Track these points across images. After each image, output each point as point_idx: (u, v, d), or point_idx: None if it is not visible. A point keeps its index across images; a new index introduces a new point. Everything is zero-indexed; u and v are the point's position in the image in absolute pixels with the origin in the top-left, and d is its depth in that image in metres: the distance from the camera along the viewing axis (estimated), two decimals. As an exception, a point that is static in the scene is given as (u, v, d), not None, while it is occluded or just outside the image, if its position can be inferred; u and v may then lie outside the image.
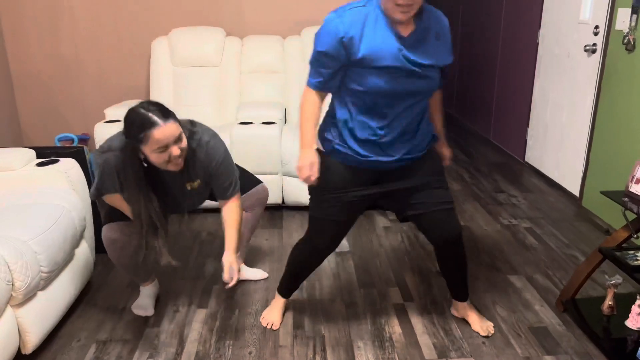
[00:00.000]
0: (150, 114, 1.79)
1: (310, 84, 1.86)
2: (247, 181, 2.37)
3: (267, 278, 2.56)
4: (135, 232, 1.99)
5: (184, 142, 1.89)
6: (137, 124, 1.80)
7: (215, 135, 2.08)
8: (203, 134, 2.03)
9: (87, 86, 3.95)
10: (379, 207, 3.36)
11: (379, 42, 1.72)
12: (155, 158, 1.84)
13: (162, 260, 2.01)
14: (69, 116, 4.02)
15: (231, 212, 2.11)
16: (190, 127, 2.01)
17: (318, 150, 1.92)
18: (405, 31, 1.76)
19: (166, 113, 1.83)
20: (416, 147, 1.92)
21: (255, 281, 2.54)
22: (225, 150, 2.09)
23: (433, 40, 1.83)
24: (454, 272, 2.12)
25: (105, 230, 2.07)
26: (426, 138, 1.96)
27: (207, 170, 2.05)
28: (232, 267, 1.97)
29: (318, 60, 1.79)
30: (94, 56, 3.88)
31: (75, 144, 3.78)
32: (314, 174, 1.85)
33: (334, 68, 1.78)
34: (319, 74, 1.81)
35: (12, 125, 3.91)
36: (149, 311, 2.29)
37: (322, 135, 1.94)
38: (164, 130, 1.79)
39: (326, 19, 1.76)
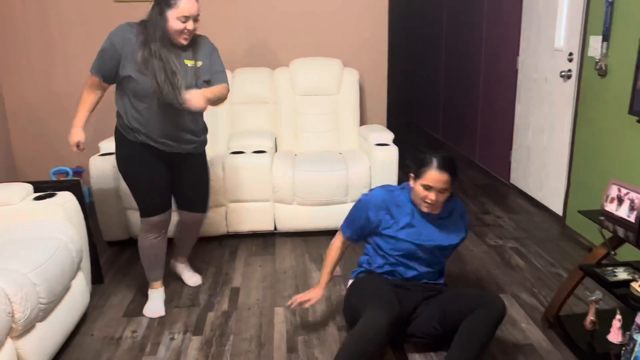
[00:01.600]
0: None
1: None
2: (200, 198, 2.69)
3: (200, 284, 2.82)
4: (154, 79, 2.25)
5: (198, 24, 2.29)
6: None
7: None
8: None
9: (81, 120, 4.04)
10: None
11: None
12: (174, 24, 2.22)
13: (182, 99, 2.23)
14: (63, 150, 4.09)
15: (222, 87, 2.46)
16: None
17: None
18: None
19: None
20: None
21: (249, 309, 2.59)
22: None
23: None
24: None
25: (145, 221, 2.45)
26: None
27: (208, 53, 2.42)
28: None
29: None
30: (88, 91, 3.98)
31: (70, 177, 3.85)
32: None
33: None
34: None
35: (6, 160, 3.97)
36: (162, 312, 2.53)
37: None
38: (191, 3, 2.22)
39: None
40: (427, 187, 2.13)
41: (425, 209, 2.17)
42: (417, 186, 2.17)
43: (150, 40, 2.25)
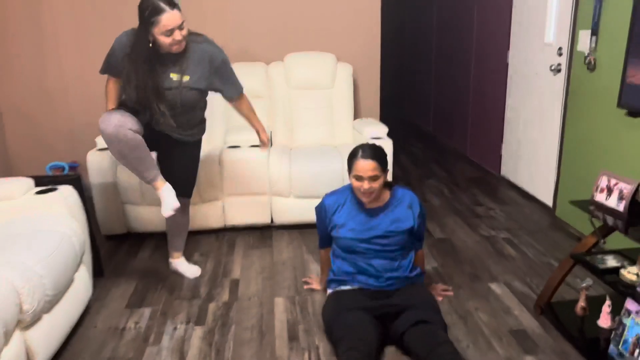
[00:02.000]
0: (160, 2, 2.21)
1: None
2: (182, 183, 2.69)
3: (199, 275, 2.87)
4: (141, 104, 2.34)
5: (185, 31, 2.30)
6: (149, 10, 2.21)
7: (212, 42, 2.53)
8: (201, 38, 2.47)
9: (74, 116, 4.05)
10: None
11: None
12: (162, 40, 2.26)
13: (165, 122, 2.40)
14: (57, 145, 4.10)
15: (246, 103, 2.77)
16: (191, 31, 2.41)
17: None
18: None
19: (172, 3, 2.24)
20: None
21: (249, 299, 2.64)
22: (223, 53, 2.55)
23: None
24: None
25: (113, 114, 2.26)
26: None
27: (201, 62, 2.43)
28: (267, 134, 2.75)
29: None
30: (80, 87, 3.98)
31: (66, 172, 3.86)
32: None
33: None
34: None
35: (1, 156, 3.97)
36: (177, 203, 2.41)
37: None
38: (170, 16, 2.22)
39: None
40: (358, 178, 2.23)
41: (365, 200, 2.27)
42: (351, 180, 2.28)
43: (137, 59, 2.31)
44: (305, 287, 2.72)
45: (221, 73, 2.55)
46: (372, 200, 2.31)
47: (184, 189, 2.72)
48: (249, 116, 2.85)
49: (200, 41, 2.46)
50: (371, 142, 3.38)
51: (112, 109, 2.45)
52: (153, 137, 2.48)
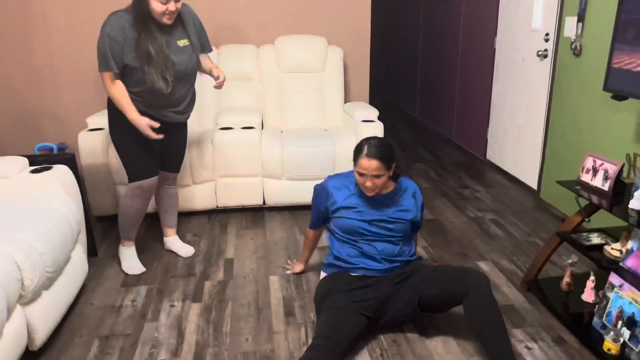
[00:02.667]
0: None
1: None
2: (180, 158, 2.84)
3: (193, 255, 2.93)
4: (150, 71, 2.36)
5: (180, 4, 2.34)
6: None
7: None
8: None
9: (63, 96, 4.01)
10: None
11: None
12: (155, 6, 2.27)
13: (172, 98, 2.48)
14: (45, 126, 4.06)
15: (208, 59, 2.74)
16: None
17: None
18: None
19: None
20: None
21: (244, 278, 2.69)
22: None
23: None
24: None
25: (136, 185, 2.56)
26: None
27: (195, 27, 2.54)
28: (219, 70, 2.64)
29: None
30: (69, 66, 3.94)
31: (54, 153, 3.83)
32: None
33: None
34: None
35: (-13, 136, 3.92)
36: (142, 268, 2.72)
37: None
38: None
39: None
40: (361, 174, 2.20)
41: (368, 194, 2.26)
42: (355, 173, 2.26)
43: (139, 29, 2.32)
44: (287, 272, 2.71)
45: (202, 30, 2.62)
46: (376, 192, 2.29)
47: (178, 165, 2.82)
48: (209, 64, 2.73)
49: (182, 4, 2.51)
50: (362, 124, 3.43)
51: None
52: (165, 135, 2.53)
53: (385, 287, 2.19)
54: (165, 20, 2.36)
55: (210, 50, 2.71)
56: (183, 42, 2.48)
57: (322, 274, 2.40)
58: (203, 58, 2.71)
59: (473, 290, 2.02)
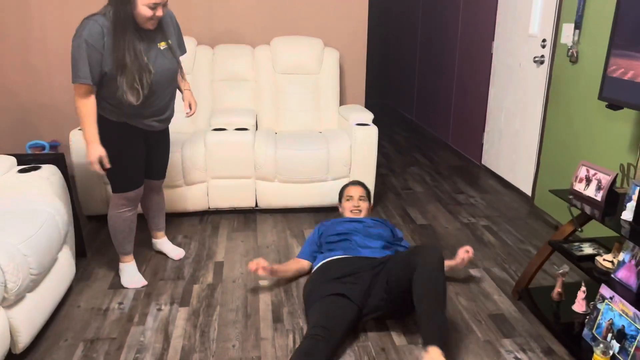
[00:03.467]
0: None
1: None
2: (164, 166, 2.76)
3: (183, 257, 2.90)
4: (128, 79, 2.21)
5: (165, 11, 2.25)
6: None
7: None
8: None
9: (57, 94, 3.98)
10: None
11: None
12: (143, 11, 2.16)
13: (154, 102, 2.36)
14: (38, 123, 4.03)
15: (184, 79, 2.64)
16: None
17: None
18: None
19: None
20: None
21: (234, 282, 2.66)
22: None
23: None
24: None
25: (121, 196, 2.47)
26: None
27: (173, 28, 2.45)
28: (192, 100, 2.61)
29: None
30: (63, 65, 3.91)
31: (46, 151, 3.80)
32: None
33: None
34: None
35: (-21, 132, 3.89)
36: (143, 281, 2.62)
37: None
38: None
39: None
40: (350, 198, 2.86)
41: (355, 215, 2.79)
42: (343, 204, 2.88)
43: (119, 36, 2.15)
44: (252, 269, 2.45)
45: (179, 31, 2.52)
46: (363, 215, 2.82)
47: (163, 172, 2.73)
48: (183, 85, 2.63)
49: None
50: (356, 128, 3.41)
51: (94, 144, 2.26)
52: (146, 144, 2.51)
53: (366, 276, 2.26)
54: (149, 25, 2.24)
55: (185, 51, 2.56)
56: (163, 45, 2.35)
57: (314, 267, 2.52)
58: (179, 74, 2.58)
59: (422, 262, 2.03)
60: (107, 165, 2.28)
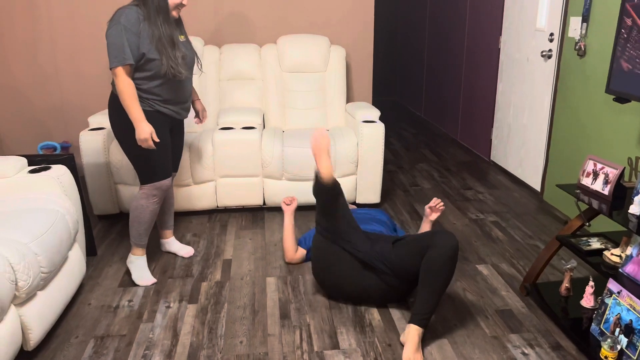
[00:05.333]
0: None
1: None
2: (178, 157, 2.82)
3: (192, 255, 2.93)
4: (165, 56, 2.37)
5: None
6: None
7: None
8: None
9: (66, 95, 4.03)
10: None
11: None
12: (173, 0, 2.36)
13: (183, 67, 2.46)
14: (49, 124, 4.09)
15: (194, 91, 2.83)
16: None
17: None
18: None
19: None
20: None
21: (241, 279, 2.68)
22: None
23: None
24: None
25: (153, 186, 2.51)
26: None
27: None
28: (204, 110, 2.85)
29: None
30: (73, 66, 3.96)
31: (57, 152, 3.86)
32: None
33: None
34: None
35: (-8, 134, 3.95)
36: (152, 279, 2.64)
37: None
38: None
39: None
40: None
41: None
42: None
43: (155, 21, 2.34)
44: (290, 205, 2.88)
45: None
46: None
47: (178, 164, 2.81)
48: (194, 95, 2.90)
49: None
50: (363, 125, 3.41)
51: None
52: (171, 134, 2.62)
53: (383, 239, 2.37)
54: (176, 14, 2.42)
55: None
56: (182, 38, 2.53)
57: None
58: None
59: (439, 245, 2.11)
60: (157, 139, 2.40)
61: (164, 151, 2.52)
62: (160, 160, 2.52)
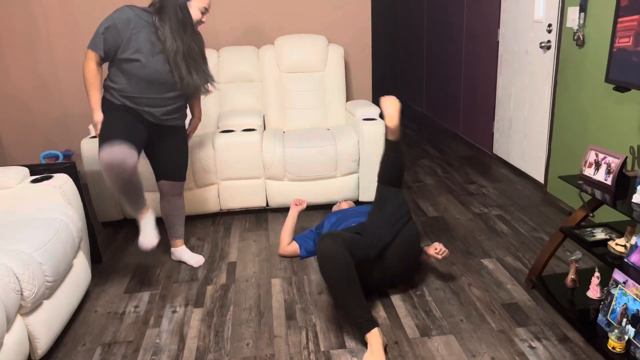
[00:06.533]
0: None
1: None
2: (183, 166, 2.79)
3: (202, 263, 2.89)
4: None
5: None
6: None
7: None
8: None
9: (68, 104, 4.05)
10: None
11: None
12: (195, 14, 2.45)
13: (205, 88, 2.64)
14: (51, 133, 4.11)
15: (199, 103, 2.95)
16: None
17: None
18: None
19: None
20: None
21: (247, 281, 2.69)
22: None
23: None
24: None
25: (107, 151, 2.29)
26: None
27: None
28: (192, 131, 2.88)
29: None
30: (72, 75, 3.98)
31: (60, 161, 3.87)
32: None
33: None
34: None
35: (-6, 145, 3.97)
36: (156, 238, 2.54)
37: None
38: None
39: None
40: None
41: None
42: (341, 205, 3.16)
43: (184, 34, 2.42)
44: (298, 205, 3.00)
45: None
46: None
47: (182, 173, 2.76)
48: (195, 106, 2.97)
49: None
50: (363, 123, 3.41)
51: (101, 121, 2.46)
52: (148, 134, 2.59)
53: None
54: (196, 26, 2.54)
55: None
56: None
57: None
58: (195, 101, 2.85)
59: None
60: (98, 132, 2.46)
61: (127, 125, 2.46)
62: (116, 129, 2.41)
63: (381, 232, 2.34)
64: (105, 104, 2.51)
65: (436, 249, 2.54)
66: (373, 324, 2.08)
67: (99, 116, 2.46)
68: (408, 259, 2.42)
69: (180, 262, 2.90)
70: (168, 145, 2.68)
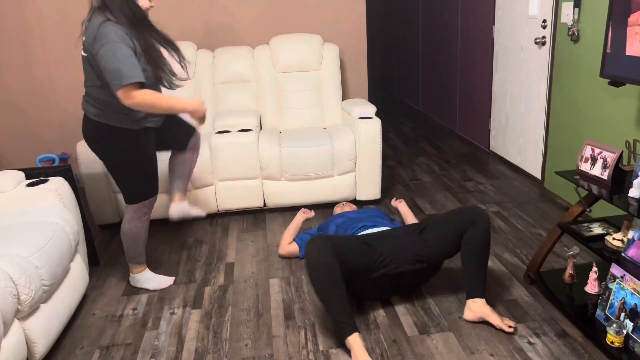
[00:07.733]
0: None
1: None
2: (187, 128, 2.68)
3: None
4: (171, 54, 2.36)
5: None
6: None
7: None
8: None
9: (63, 107, 4.03)
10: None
11: None
12: (143, 3, 2.25)
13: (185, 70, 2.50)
14: (47, 137, 4.09)
15: None
16: None
17: None
18: None
19: None
20: None
21: (245, 282, 2.68)
22: None
23: None
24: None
25: (143, 204, 2.46)
26: None
27: None
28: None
29: None
30: (67, 78, 3.96)
31: (56, 164, 3.86)
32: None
33: None
34: None
35: (-10, 149, 3.96)
36: (170, 278, 2.69)
37: None
38: None
39: None
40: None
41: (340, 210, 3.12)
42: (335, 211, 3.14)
43: (139, 31, 2.23)
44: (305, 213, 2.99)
45: None
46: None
47: (192, 129, 2.68)
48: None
49: None
50: (360, 122, 3.40)
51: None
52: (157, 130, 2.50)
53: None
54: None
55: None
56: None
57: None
58: None
59: (473, 222, 2.24)
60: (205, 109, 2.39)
61: (152, 167, 2.45)
62: (149, 177, 2.44)
63: (399, 258, 2.26)
64: (127, 135, 2.30)
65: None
66: (353, 328, 2.04)
67: (195, 100, 2.32)
68: (421, 282, 2.46)
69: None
70: (169, 121, 2.56)
